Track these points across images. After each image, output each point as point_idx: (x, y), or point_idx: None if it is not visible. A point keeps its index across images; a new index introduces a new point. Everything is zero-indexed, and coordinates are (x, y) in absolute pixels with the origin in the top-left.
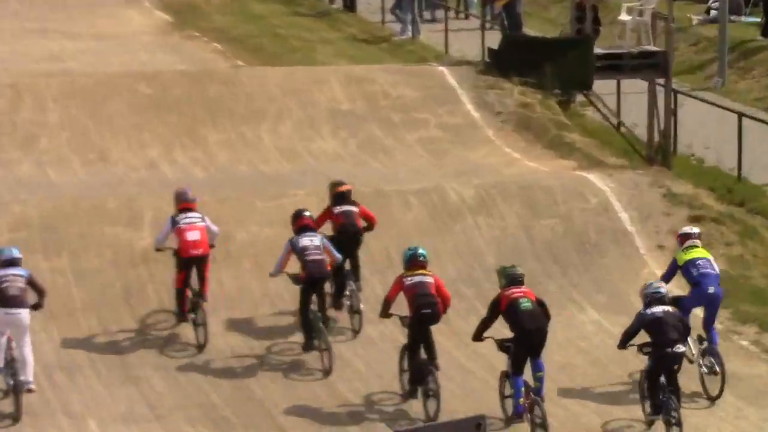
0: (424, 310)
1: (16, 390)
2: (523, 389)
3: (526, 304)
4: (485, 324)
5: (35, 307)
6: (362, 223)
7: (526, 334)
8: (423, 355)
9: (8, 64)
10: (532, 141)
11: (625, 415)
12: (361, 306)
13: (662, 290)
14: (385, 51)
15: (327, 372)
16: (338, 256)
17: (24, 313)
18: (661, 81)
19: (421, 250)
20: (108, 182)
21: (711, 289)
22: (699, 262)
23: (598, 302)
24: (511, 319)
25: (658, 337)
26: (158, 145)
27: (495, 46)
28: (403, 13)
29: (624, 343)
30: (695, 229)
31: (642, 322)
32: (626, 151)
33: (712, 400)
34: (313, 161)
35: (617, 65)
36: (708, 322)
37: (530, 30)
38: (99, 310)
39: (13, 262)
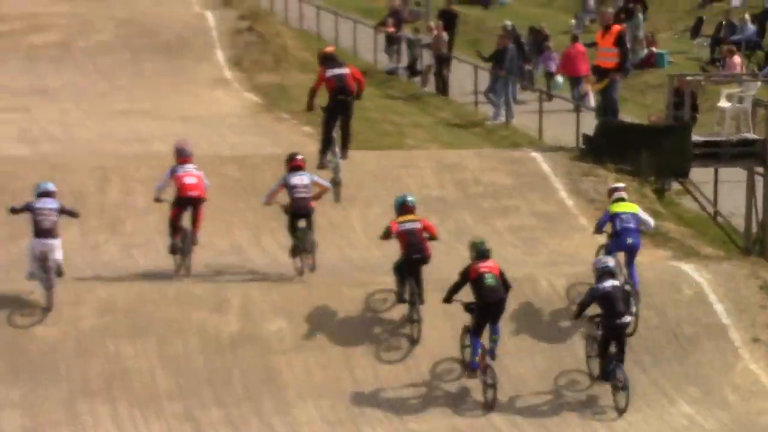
0: (415, 255)
1: (49, 286)
2: (480, 349)
3: (490, 280)
4: (455, 289)
5: (72, 216)
6: (354, 87)
7: (487, 306)
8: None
9: (96, 146)
10: None
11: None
12: (341, 176)
13: (611, 265)
14: (478, 135)
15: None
16: (327, 185)
17: (56, 243)
18: (761, 170)
19: (409, 198)
20: (195, 267)
21: (629, 240)
22: (623, 215)
23: (690, 395)
24: (476, 290)
25: (608, 310)
26: (246, 229)
27: (590, 131)
28: (496, 97)
29: (578, 314)
30: (621, 184)
31: (594, 296)
32: (723, 242)
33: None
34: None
35: (715, 153)
36: (628, 265)
37: (626, 116)
38: (184, 396)
39: (47, 194)
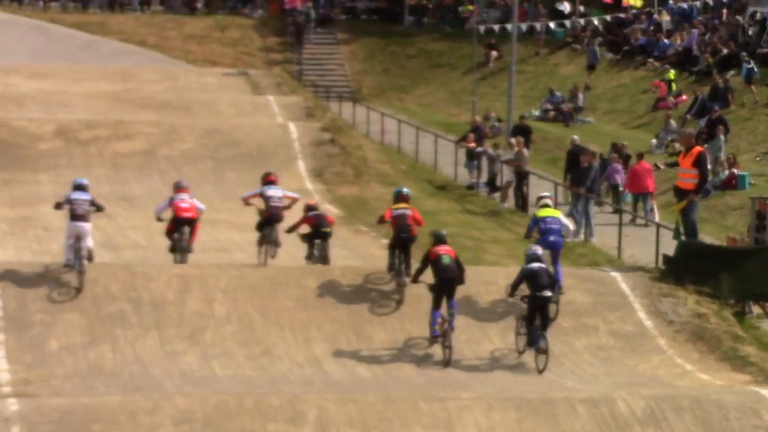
0: (402, 234)
1: (81, 269)
2: (439, 319)
3: (446, 260)
4: (420, 271)
5: (98, 209)
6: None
7: (442, 281)
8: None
9: None
10: (705, 353)
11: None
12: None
13: (538, 252)
14: None
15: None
16: (296, 195)
17: (87, 226)
18: None
19: (405, 189)
20: (272, 378)
21: (551, 238)
22: (547, 219)
23: None
24: (435, 268)
25: (533, 285)
26: (324, 341)
27: (670, 251)
28: (578, 215)
29: (512, 291)
30: (547, 194)
31: (523, 275)
32: None
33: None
34: (479, 363)
35: None
36: (553, 263)
37: (706, 237)
38: None
39: (81, 187)
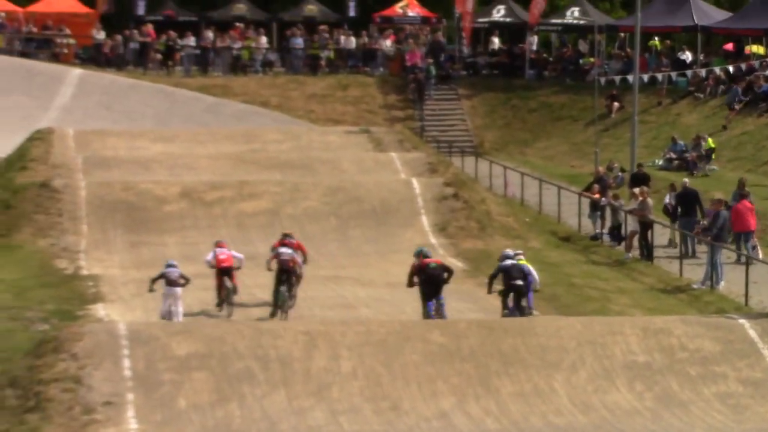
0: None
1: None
2: (433, 307)
3: (433, 265)
4: (410, 281)
5: (186, 279)
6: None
7: (428, 279)
8: None
9: (302, 311)
10: None
11: None
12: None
13: (510, 253)
14: (683, 301)
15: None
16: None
17: (179, 290)
18: None
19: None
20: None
21: (518, 282)
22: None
23: None
24: (424, 275)
25: (506, 278)
26: (451, 395)
27: None
28: (712, 265)
29: (489, 285)
30: (519, 250)
31: (499, 270)
32: None
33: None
34: (608, 414)
35: None
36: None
37: None
38: None
39: (172, 265)
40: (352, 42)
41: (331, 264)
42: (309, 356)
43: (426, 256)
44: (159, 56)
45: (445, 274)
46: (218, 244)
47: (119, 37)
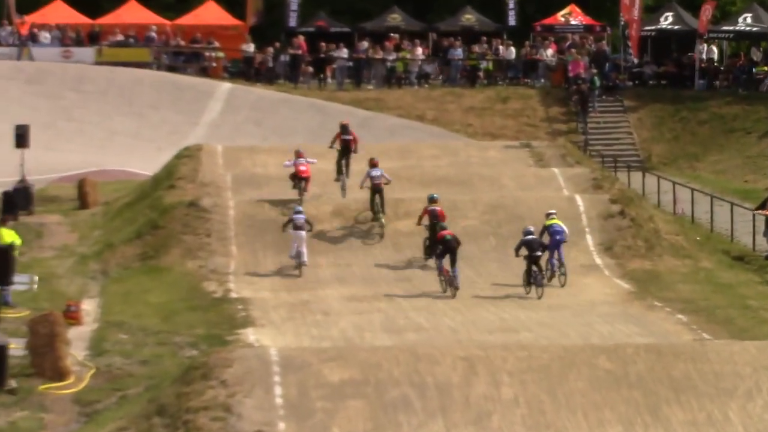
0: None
1: (299, 264)
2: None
3: (449, 237)
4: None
5: (309, 230)
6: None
7: (446, 244)
8: None
9: (461, 335)
10: None
11: None
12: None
13: (531, 228)
14: None
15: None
16: (390, 178)
17: (303, 233)
18: None
19: (435, 195)
20: None
21: (558, 237)
22: (554, 227)
23: None
24: (442, 245)
25: (529, 249)
26: (618, 424)
27: None
28: None
29: (516, 253)
30: (553, 210)
31: (521, 242)
32: None
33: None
34: None
35: None
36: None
37: None
38: None
39: (299, 212)
40: (512, 52)
41: (491, 285)
42: (468, 383)
43: (433, 201)
44: (310, 69)
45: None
46: (298, 154)
47: (270, 50)
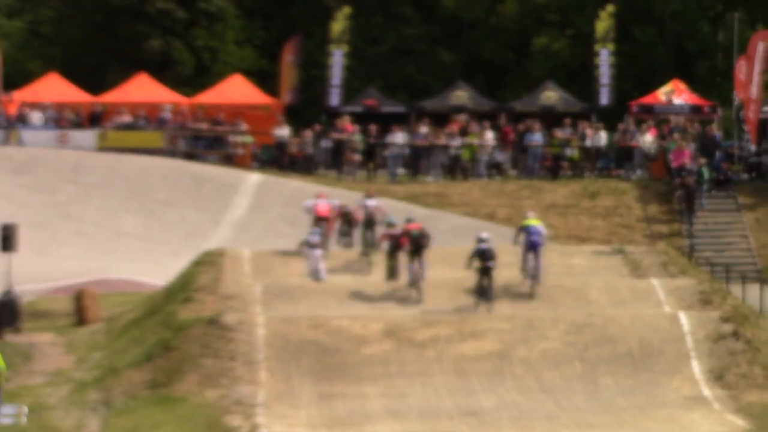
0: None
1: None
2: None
3: (415, 232)
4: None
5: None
6: None
7: (413, 240)
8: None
9: None
10: None
11: None
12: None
13: (484, 236)
14: None
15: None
16: (386, 211)
17: (319, 252)
18: None
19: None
20: None
21: (534, 238)
22: (532, 227)
23: None
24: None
25: (481, 259)
26: None
27: None
28: None
29: (468, 263)
30: (532, 212)
31: (475, 252)
32: None
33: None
34: None
35: None
36: (536, 259)
37: None
38: None
39: (315, 232)
40: (603, 138)
41: (576, 421)
42: None
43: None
44: (357, 157)
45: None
46: (319, 194)
47: (308, 134)
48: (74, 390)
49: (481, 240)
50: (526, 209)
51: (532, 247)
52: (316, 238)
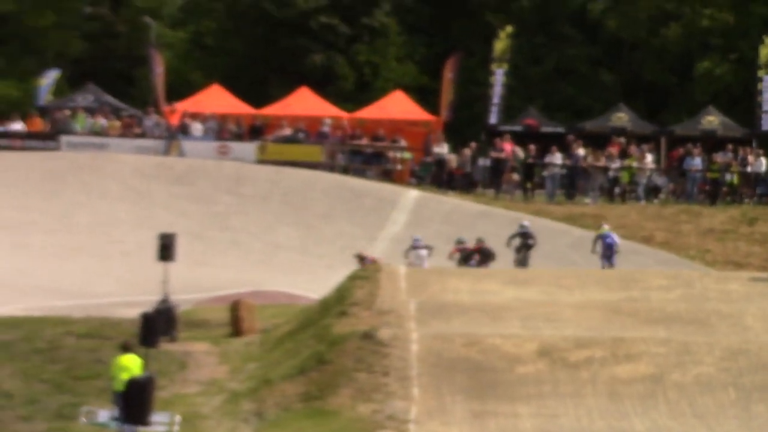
0: None
1: None
2: None
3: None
4: None
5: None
6: None
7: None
8: None
9: None
10: None
11: None
12: None
13: (526, 223)
14: None
15: None
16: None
17: (425, 252)
18: None
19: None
20: None
21: (608, 240)
22: (606, 234)
23: None
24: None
25: (522, 238)
26: None
27: None
28: None
29: (508, 242)
30: (606, 224)
31: (515, 233)
32: None
33: None
34: None
35: None
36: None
37: None
38: None
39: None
40: (763, 164)
41: None
42: None
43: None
44: (516, 177)
45: None
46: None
47: (467, 152)
48: (227, 400)
49: (522, 226)
50: (685, 234)
51: (608, 251)
52: (420, 242)
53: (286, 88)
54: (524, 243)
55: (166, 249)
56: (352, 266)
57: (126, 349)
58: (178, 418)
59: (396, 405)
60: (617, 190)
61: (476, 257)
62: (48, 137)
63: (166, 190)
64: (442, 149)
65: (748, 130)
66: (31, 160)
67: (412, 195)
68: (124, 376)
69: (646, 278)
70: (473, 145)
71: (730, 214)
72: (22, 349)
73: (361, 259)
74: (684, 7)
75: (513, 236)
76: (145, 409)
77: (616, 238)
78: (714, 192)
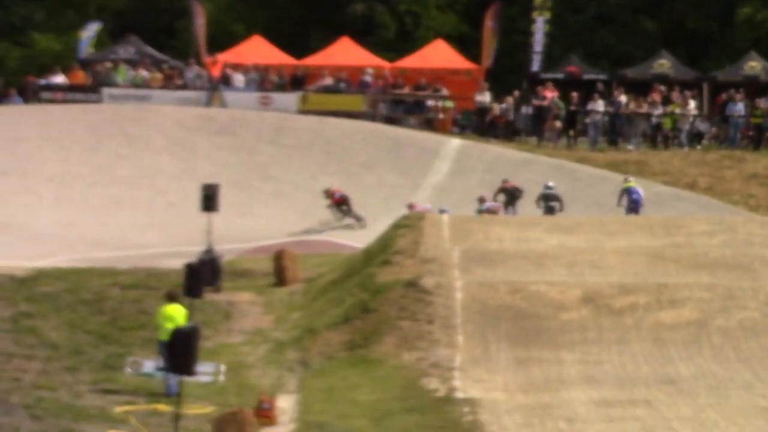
0: None
1: None
2: None
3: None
4: None
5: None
6: None
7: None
8: None
9: None
10: None
11: None
12: None
13: (551, 184)
14: None
15: None
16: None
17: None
18: None
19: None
20: None
21: (634, 196)
22: (632, 188)
23: None
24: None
25: (545, 200)
26: None
27: None
28: None
29: (538, 203)
30: (631, 177)
31: (540, 195)
32: None
33: None
34: None
35: None
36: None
37: None
38: None
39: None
40: None
41: None
42: None
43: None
44: (559, 124)
45: None
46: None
47: (509, 100)
48: (272, 349)
49: (547, 187)
50: (728, 180)
51: (634, 206)
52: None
53: (327, 39)
54: (547, 206)
55: (209, 199)
56: (394, 215)
57: (171, 299)
58: (223, 367)
59: (440, 353)
60: (660, 136)
61: (502, 197)
62: (90, 90)
63: (209, 141)
64: (485, 97)
65: None
66: (74, 112)
67: (454, 144)
68: (169, 326)
69: (690, 224)
70: (516, 93)
71: None
72: (68, 301)
73: (330, 195)
74: None
75: (538, 198)
76: (190, 359)
77: (642, 192)
78: (757, 137)
